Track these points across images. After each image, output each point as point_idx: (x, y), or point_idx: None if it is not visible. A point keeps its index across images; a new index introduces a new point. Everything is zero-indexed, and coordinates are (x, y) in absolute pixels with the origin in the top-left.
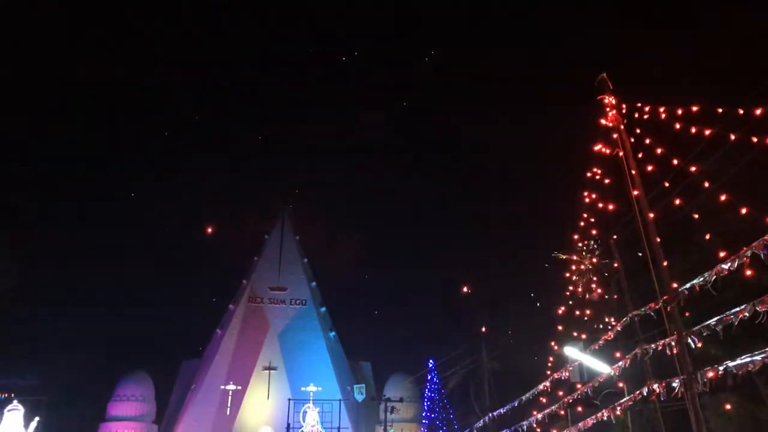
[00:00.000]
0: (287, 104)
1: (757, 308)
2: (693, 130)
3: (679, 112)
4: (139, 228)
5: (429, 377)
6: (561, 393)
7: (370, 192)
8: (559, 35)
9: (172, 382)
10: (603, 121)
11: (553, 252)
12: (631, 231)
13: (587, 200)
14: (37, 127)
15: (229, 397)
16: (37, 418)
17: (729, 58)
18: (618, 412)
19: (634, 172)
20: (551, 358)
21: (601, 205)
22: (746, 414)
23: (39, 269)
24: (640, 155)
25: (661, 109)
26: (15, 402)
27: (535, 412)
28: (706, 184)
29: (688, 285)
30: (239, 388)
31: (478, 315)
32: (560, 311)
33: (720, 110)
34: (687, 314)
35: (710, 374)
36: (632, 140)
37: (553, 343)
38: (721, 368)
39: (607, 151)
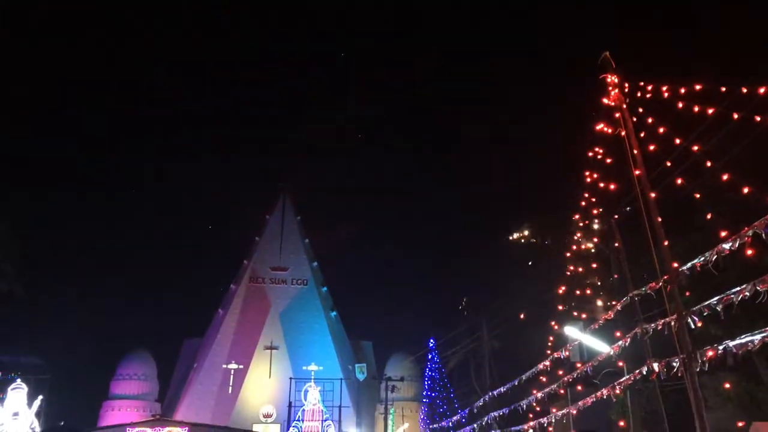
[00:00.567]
0: (287, 97)
1: (758, 287)
2: (696, 109)
3: (682, 90)
4: (141, 209)
5: (430, 356)
6: (561, 372)
7: (372, 173)
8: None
9: (174, 361)
10: (605, 101)
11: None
12: (632, 211)
13: (588, 180)
14: (40, 113)
15: (231, 376)
16: (40, 397)
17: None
18: (618, 391)
19: (636, 151)
20: (551, 338)
21: (602, 184)
22: (745, 393)
23: (41, 251)
24: (642, 134)
25: (664, 88)
26: (18, 381)
27: (535, 391)
28: (708, 164)
29: (688, 264)
30: (241, 367)
31: (479, 295)
32: (560, 290)
33: (723, 89)
34: (687, 294)
35: (710, 353)
36: (634, 119)
37: (553, 323)
38: (720, 347)
39: (609, 131)
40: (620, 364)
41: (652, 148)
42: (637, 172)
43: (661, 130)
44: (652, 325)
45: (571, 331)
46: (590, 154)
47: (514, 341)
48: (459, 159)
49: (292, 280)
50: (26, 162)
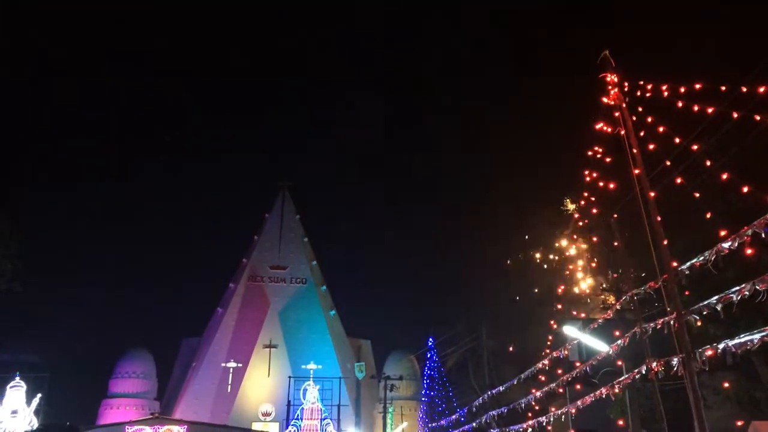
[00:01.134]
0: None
1: (758, 287)
2: (695, 108)
3: (682, 90)
4: (141, 209)
5: (429, 356)
6: (560, 371)
7: (370, 172)
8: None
9: (173, 360)
10: (605, 100)
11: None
12: (632, 210)
13: (588, 179)
14: (39, 109)
15: (230, 375)
16: (39, 395)
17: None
18: (616, 390)
19: (635, 150)
20: (550, 337)
21: (602, 184)
22: (743, 392)
23: (41, 249)
24: (641, 134)
25: (664, 87)
26: (17, 379)
27: (534, 390)
28: (708, 163)
29: (687, 264)
30: (240, 365)
31: (478, 294)
32: (560, 290)
33: (723, 88)
34: (687, 293)
35: (709, 353)
36: (634, 119)
37: (552, 322)
38: (720, 347)
39: (609, 130)
40: (619, 363)
41: (651, 147)
42: (637, 171)
43: (661, 129)
44: (651, 324)
45: (570, 331)
46: (590, 153)
47: (512, 340)
48: (460, 159)
49: (291, 279)
50: (26, 159)
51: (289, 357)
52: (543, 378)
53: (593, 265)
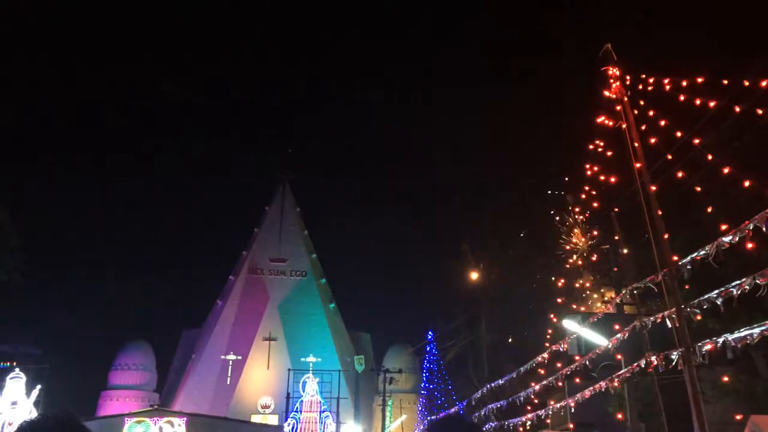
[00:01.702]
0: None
1: (758, 281)
2: (697, 101)
3: (684, 83)
4: (141, 200)
5: (428, 348)
6: (559, 365)
7: (370, 165)
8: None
9: (172, 352)
10: (606, 93)
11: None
12: (632, 204)
13: (589, 173)
14: (39, 102)
15: (230, 367)
16: (38, 387)
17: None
18: (615, 384)
19: (636, 144)
20: (550, 331)
21: (603, 177)
22: (742, 387)
23: (41, 240)
24: (643, 127)
25: (666, 81)
26: (17, 370)
27: (533, 384)
28: (710, 157)
29: (688, 258)
30: (239, 358)
31: (477, 287)
32: (560, 284)
33: (725, 82)
34: (687, 287)
35: (708, 347)
36: (636, 112)
37: (552, 316)
38: (719, 341)
39: (610, 124)
40: (618, 357)
41: (653, 141)
42: (638, 165)
43: (663, 122)
44: (651, 318)
45: (570, 324)
46: (591, 146)
47: (512, 333)
48: (459, 136)
49: (291, 272)
50: (26, 150)
51: (289, 350)
52: (542, 371)
53: (593, 259)
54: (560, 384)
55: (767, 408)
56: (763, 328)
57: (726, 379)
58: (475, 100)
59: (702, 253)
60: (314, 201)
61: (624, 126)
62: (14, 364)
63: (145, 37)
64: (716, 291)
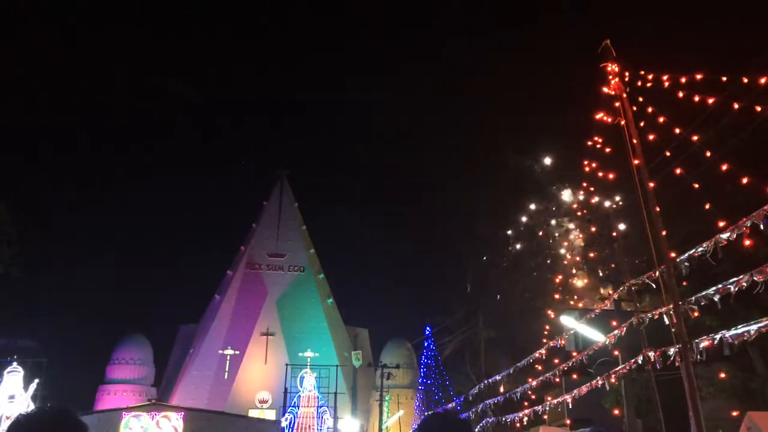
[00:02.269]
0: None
1: (755, 278)
2: (696, 98)
3: (683, 80)
4: (139, 196)
5: (426, 344)
6: (556, 361)
7: (368, 159)
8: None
9: (170, 346)
10: (605, 89)
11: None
12: (631, 200)
13: (587, 169)
14: (39, 99)
15: (227, 362)
16: (36, 381)
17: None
18: (613, 380)
19: (635, 141)
20: (548, 327)
21: (601, 173)
22: (738, 383)
23: (40, 235)
24: (641, 124)
25: (665, 77)
26: (15, 364)
27: (530, 380)
28: (708, 154)
29: (686, 255)
30: (237, 352)
31: (475, 284)
32: (557, 280)
33: (724, 79)
34: (684, 284)
35: (705, 343)
36: (634, 109)
37: (549, 312)
38: (716, 337)
39: (609, 120)
40: (615, 353)
41: (651, 137)
42: (636, 162)
43: (661, 119)
44: (648, 314)
45: (567, 320)
46: (589, 143)
47: (510, 330)
48: (459, 134)
49: (289, 267)
50: (24, 144)
51: (287, 345)
52: (540, 367)
53: (591, 255)
54: (557, 380)
55: (764, 404)
56: (760, 325)
57: (723, 375)
58: (475, 94)
59: (700, 249)
60: (312, 196)
61: (623, 123)
62: (12, 358)
63: (145, 37)
64: (714, 288)
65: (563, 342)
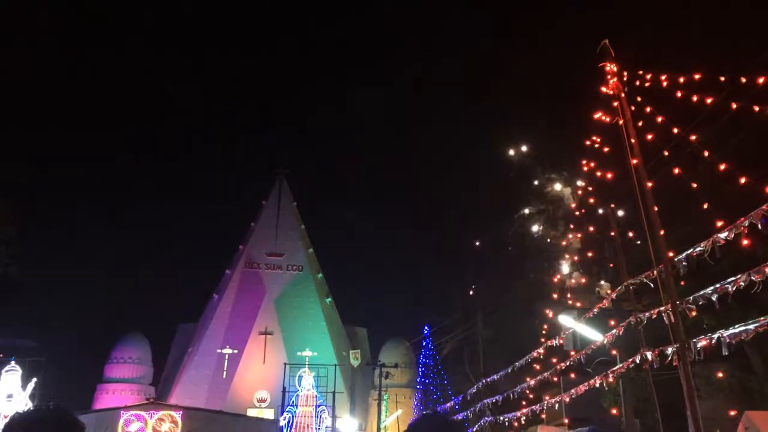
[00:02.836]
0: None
1: (753, 277)
2: (694, 98)
3: (681, 80)
4: (138, 194)
5: (424, 343)
6: (554, 360)
7: (366, 157)
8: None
9: (168, 345)
10: (604, 89)
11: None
12: (629, 200)
13: (586, 168)
14: (39, 95)
15: (226, 361)
16: (34, 380)
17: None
18: (610, 380)
19: (633, 140)
20: (546, 326)
21: (599, 173)
22: (736, 383)
23: (38, 234)
24: (640, 124)
25: (663, 77)
26: (13, 363)
27: (528, 379)
28: (706, 154)
29: (684, 254)
30: (236, 351)
31: (473, 283)
32: (555, 279)
33: (722, 79)
34: (683, 283)
35: (703, 343)
36: (633, 108)
37: (547, 311)
38: (714, 337)
39: (607, 120)
40: (613, 352)
41: (649, 137)
42: (635, 162)
43: (660, 119)
44: (646, 314)
45: (565, 320)
46: (587, 142)
47: (508, 330)
48: (458, 134)
49: (288, 266)
50: (24, 142)
51: (285, 344)
52: (537, 367)
53: (589, 255)
54: (555, 379)
55: (762, 404)
56: (757, 324)
57: (720, 375)
58: (475, 93)
59: (698, 249)
60: (311, 195)
61: (621, 122)
62: (10, 357)
63: (145, 35)
64: (711, 287)
65: (561, 341)
